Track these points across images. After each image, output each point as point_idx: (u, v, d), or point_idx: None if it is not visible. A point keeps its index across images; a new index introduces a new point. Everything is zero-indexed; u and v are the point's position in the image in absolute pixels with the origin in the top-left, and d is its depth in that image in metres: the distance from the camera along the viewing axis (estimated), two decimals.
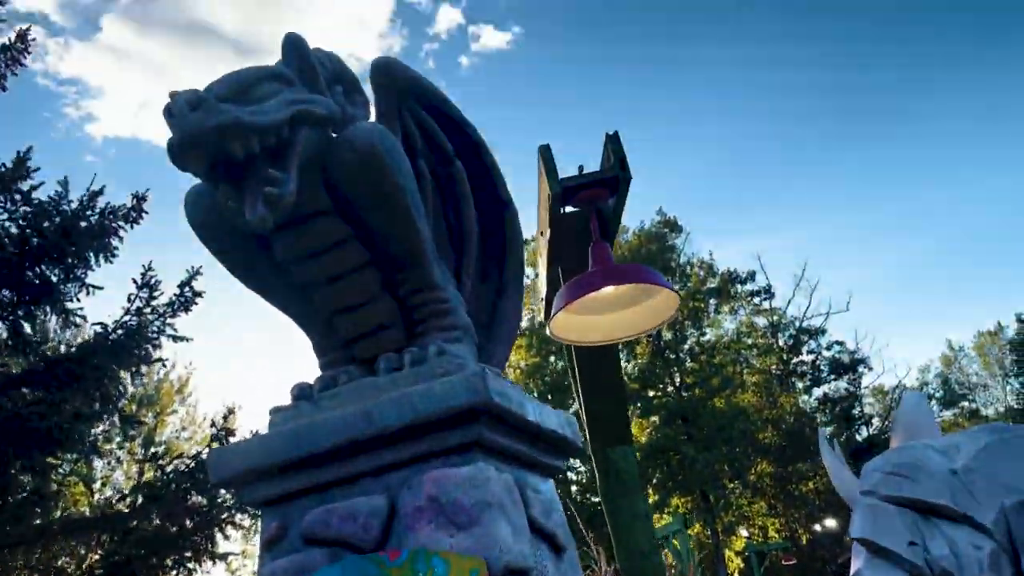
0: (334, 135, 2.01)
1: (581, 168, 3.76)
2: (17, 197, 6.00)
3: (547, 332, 3.66)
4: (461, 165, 2.43)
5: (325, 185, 2.02)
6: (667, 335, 27.54)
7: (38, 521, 7.67)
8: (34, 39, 7.13)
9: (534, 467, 2.25)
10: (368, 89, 2.29)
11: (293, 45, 2.00)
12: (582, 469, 25.00)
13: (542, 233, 4.15)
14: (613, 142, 3.60)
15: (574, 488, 25.51)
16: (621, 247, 26.92)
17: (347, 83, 2.21)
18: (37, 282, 6.33)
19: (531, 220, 4.27)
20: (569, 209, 3.96)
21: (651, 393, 27.62)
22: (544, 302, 4.77)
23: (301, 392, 2.15)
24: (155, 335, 6.90)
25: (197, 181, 2.09)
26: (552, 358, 26.71)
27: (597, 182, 3.62)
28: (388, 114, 2.23)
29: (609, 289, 3.43)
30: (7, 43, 6.94)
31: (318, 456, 1.99)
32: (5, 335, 6.55)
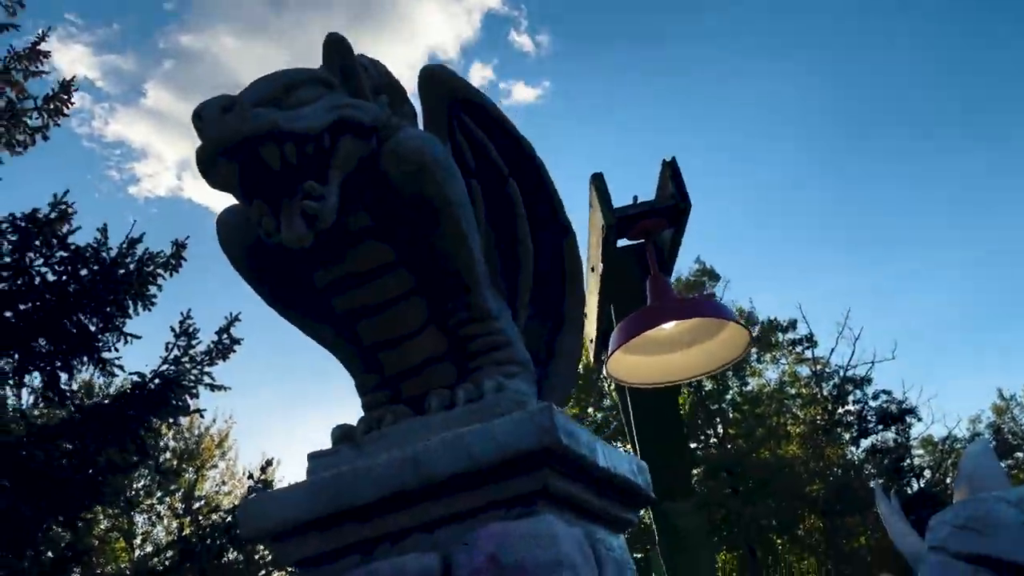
0: (379, 146, 1.81)
1: (635, 198, 3.54)
2: (54, 242, 5.94)
3: (604, 372, 3.40)
4: (516, 186, 2.21)
5: (368, 200, 1.81)
6: (708, 385, 26.91)
7: None
8: (76, 89, 7.19)
9: (604, 520, 1.98)
10: (416, 103, 2.10)
11: (335, 46, 1.81)
12: None
13: (592, 268, 3.92)
14: (670, 168, 3.37)
15: None
16: None
17: (393, 93, 2.01)
18: (74, 331, 6.24)
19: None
20: (623, 243, 3.74)
21: (692, 445, 26.88)
22: (592, 343, 4.51)
23: (343, 434, 1.91)
24: (192, 384, 6.75)
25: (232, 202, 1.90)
26: (591, 409, 26.18)
27: (654, 212, 3.39)
28: (437, 126, 2.02)
29: (670, 325, 3.17)
30: (51, 92, 7.00)
31: (361, 509, 1.74)
32: (41, 386, 6.44)
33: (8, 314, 5.96)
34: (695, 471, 25.55)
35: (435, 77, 2.02)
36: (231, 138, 1.53)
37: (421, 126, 2.06)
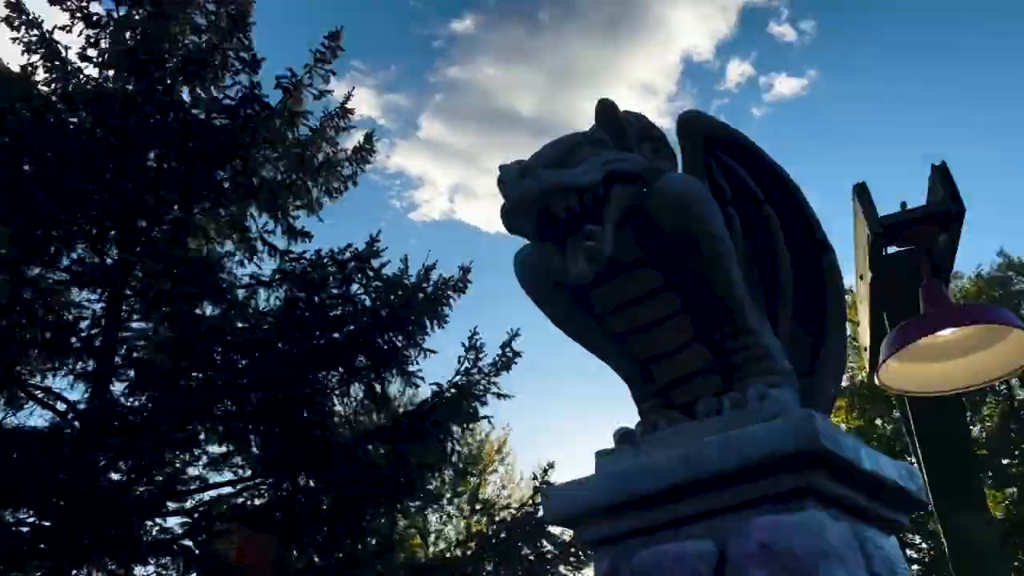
0: (645, 189, 2.12)
1: (904, 205, 3.50)
2: (370, 273, 7.05)
3: (875, 381, 3.40)
4: (772, 209, 2.41)
5: (638, 236, 2.12)
6: (1020, 393, 23.84)
7: (380, 568, 8.58)
8: (378, 139, 8.38)
9: (872, 519, 2.10)
10: (674, 143, 2.38)
11: (605, 110, 2.18)
12: (923, 545, 22.22)
13: (861, 277, 3.89)
14: (940, 173, 3.31)
15: (915, 567, 22.69)
16: (955, 295, 23.89)
17: (654, 140, 2.32)
18: (386, 348, 7.29)
19: (846, 266, 4.02)
20: (892, 250, 3.69)
21: (1005, 461, 23.93)
22: (868, 351, 4.44)
23: (624, 436, 2.23)
24: (481, 393, 7.57)
25: (523, 243, 2.31)
26: (879, 421, 24.30)
27: (924, 218, 3.34)
28: (695, 164, 2.30)
29: (946, 333, 3.11)
30: (358, 144, 8.23)
31: (642, 499, 2.04)
32: (362, 395, 7.59)
33: (336, 335, 7.14)
34: (1010, 490, 22.77)
35: (689, 123, 2.32)
36: (528, 197, 1.92)
37: (680, 165, 2.34)
